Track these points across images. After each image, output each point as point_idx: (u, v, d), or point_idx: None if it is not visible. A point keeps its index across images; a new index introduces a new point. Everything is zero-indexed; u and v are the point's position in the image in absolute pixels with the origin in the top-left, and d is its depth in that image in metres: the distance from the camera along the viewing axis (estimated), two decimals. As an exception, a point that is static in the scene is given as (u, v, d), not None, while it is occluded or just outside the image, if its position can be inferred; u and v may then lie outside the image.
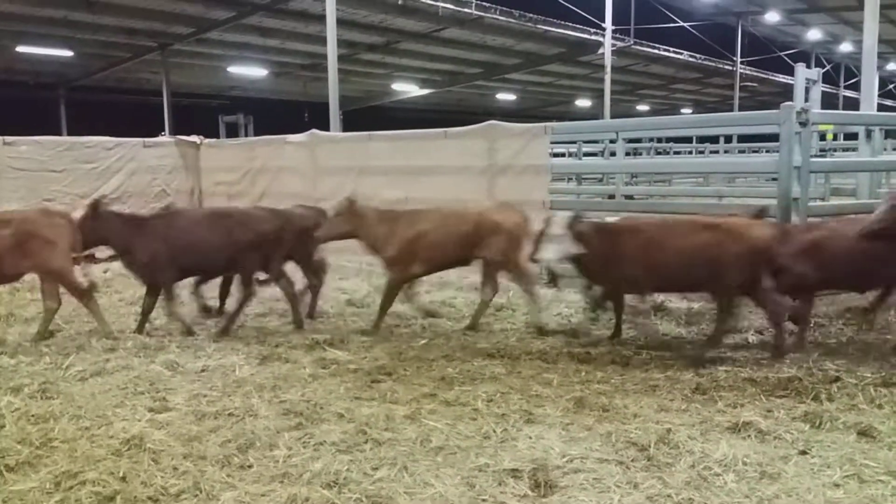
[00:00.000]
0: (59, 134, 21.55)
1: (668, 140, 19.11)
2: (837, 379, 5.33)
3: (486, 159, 9.00)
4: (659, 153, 19.06)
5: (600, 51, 23.31)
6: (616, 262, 6.13)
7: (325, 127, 15.38)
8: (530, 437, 4.35)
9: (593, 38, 23.53)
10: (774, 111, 6.91)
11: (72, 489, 3.69)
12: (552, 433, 4.41)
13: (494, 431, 4.44)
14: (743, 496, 3.61)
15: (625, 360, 5.98)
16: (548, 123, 8.47)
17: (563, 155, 16.77)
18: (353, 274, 9.73)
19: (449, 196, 9.35)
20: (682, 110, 42.26)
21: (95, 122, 21.70)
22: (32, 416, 4.70)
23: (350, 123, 27.88)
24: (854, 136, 12.32)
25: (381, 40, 22.39)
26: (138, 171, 13.17)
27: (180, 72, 23.94)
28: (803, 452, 4.10)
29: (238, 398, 5.04)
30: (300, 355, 6.17)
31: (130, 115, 23.55)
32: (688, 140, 19.28)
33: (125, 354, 6.13)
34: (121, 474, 3.83)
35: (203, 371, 5.75)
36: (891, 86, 43.01)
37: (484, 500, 3.61)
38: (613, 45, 23.48)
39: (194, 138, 14.11)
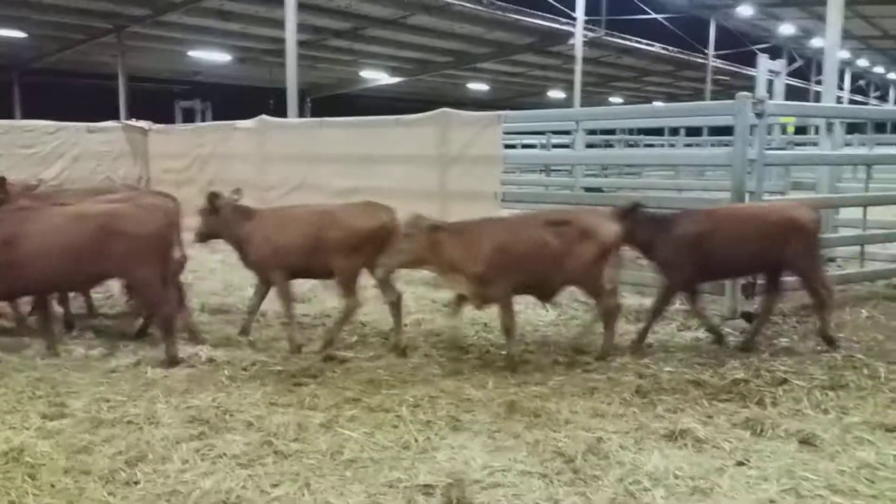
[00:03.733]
0: (13, 118, 20.82)
1: (640, 132, 18.90)
2: (785, 381, 5.08)
3: (438, 148, 8.66)
4: (630, 145, 18.82)
5: (571, 41, 23.00)
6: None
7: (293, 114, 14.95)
8: (453, 447, 4.03)
9: (564, 27, 23.21)
10: (728, 101, 6.65)
11: (-75, 511, 3.30)
12: (476, 442, 4.09)
13: (416, 440, 4.12)
14: (670, 515, 3.32)
15: (569, 361, 5.70)
16: (500, 112, 8.14)
17: (533, 146, 16.54)
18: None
19: (401, 186, 9.01)
20: (655, 103, 42.16)
21: (51, 106, 20.93)
22: None
23: (320, 111, 27.42)
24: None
25: (348, 26, 21.84)
26: (82, 157, 12.61)
27: (140, 56, 23.18)
28: (740, 463, 3.83)
29: (143, 403, 4.65)
30: (223, 355, 5.78)
31: (88, 100, 22.75)
32: (660, 132, 19.06)
33: (31, 354, 5.70)
34: (-13, 493, 3.45)
35: (113, 372, 5.35)
36: (861, 81, 43.37)
37: (386, 522, 3.29)
38: (585, 36, 23.17)
39: (142, 123, 13.57)
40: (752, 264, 6.05)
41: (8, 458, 3.80)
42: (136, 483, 3.59)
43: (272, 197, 10.79)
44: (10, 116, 21.79)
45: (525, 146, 17.58)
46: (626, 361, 5.65)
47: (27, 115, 20.64)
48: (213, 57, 24.29)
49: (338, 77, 30.02)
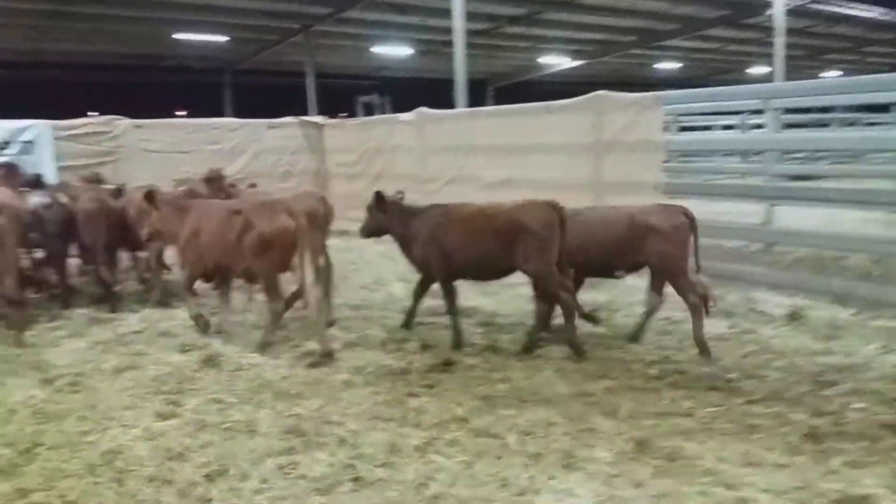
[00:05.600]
0: (223, 116, 22.86)
1: (860, 109, 16.52)
2: None
3: (592, 135, 7.89)
4: (850, 125, 16.48)
5: (769, 11, 20.58)
6: None
7: (476, 105, 14.71)
8: (557, 492, 3.42)
9: (761, -4, 20.84)
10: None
11: (11, 512, 3.33)
12: (587, 489, 3.44)
13: (517, 479, 3.56)
14: None
15: (730, 387, 4.79)
16: (660, 92, 7.19)
17: (731, 127, 15.19)
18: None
19: (554, 177, 8.39)
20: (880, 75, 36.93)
21: (255, 104, 22.66)
22: (43, 414, 4.48)
23: (502, 100, 27.07)
24: None
25: (523, 11, 21.22)
26: (263, 153, 13.31)
27: (327, 53, 24.27)
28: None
29: (249, 407, 4.53)
30: (351, 355, 5.57)
31: (285, 98, 24.32)
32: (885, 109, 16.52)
33: (173, 345, 5.87)
34: (72, 497, 3.42)
35: (238, 370, 5.32)
36: None
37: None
38: (787, 4, 20.61)
39: (317, 119, 14.05)
40: (487, 264, 5.65)
41: (104, 461, 3.79)
42: (209, 501, 3.40)
43: (431, 189, 10.62)
44: (221, 114, 23.93)
45: (726, 127, 16.20)
46: (803, 391, 4.65)
47: (236, 114, 22.55)
48: (395, 51, 24.85)
49: (517, 64, 29.52)
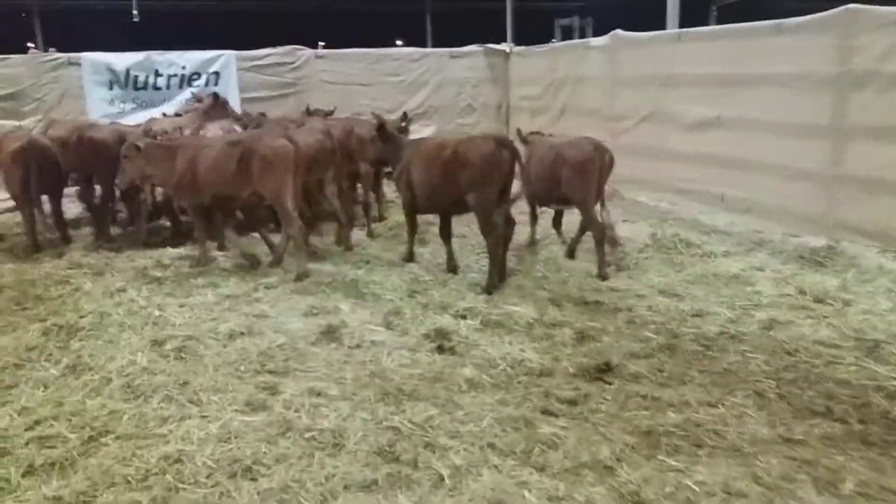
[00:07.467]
0: (425, 45, 22.35)
1: None
2: None
3: (837, 64, 5.96)
4: None
5: None
6: None
7: (696, 26, 12.61)
8: None
9: None
10: None
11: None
12: None
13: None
14: None
15: None
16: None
17: None
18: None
19: (777, 118, 6.62)
20: None
21: (454, 32, 21.85)
22: (133, 388, 4.03)
23: (726, 21, 23.66)
24: None
25: None
26: (444, 84, 12.44)
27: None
28: None
29: (346, 407, 3.72)
30: (487, 340, 4.58)
31: (482, 24, 23.25)
32: None
33: (301, 306, 5.27)
34: (100, 522, 2.84)
35: (356, 347, 4.57)
36: None
37: None
38: None
39: (503, 46, 12.82)
40: (443, 196, 5.69)
41: (160, 469, 3.18)
42: (248, 557, 2.65)
43: (621, 128, 9.13)
44: (423, 44, 23.43)
45: None
46: None
47: (436, 42, 21.88)
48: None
49: (748, -23, 25.60)
